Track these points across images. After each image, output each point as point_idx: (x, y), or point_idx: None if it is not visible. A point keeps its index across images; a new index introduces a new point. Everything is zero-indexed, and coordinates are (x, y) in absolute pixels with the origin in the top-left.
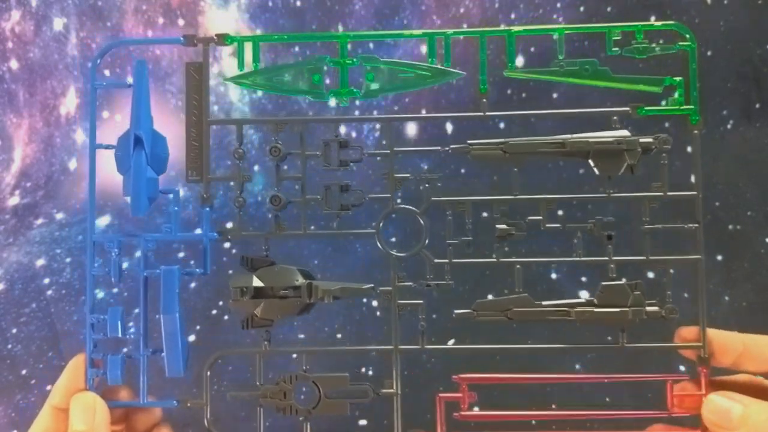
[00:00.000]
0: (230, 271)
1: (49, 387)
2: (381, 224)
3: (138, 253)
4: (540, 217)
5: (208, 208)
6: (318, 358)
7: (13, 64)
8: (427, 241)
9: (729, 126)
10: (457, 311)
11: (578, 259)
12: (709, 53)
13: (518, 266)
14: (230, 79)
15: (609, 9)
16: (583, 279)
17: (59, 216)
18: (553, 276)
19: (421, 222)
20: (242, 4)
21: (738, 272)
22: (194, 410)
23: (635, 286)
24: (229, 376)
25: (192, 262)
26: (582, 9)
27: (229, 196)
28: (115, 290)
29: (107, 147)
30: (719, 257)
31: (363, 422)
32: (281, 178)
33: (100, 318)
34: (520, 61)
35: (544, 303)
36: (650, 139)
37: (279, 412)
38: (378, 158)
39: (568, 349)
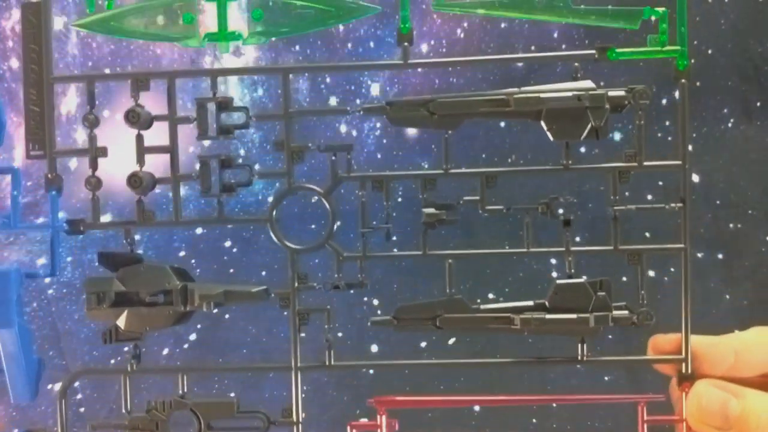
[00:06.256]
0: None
1: (50, 386)
2: (276, 209)
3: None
4: (477, 198)
5: (55, 192)
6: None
7: (14, 63)
8: (335, 230)
9: (730, 124)
10: (373, 319)
11: (525, 250)
12: (709, 51)
13: (450, 261)
14: (80, 24)
15: (609, 6)
16: (584, 277)
17: (60, 215)
18: (554, 274)
19: (327, 206)
20: (242, 4)
21: (739, 270)
22: None
23: (599, 284)
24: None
25: (193, 260)
26: (582, 6)
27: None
28: None
29: None
30: (720, 255)
31: (364, 420)
32: (143, 150)
33: None
34: None
35: (483, 307)
36: (622, 92)
37: None
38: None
39: (508, 364)
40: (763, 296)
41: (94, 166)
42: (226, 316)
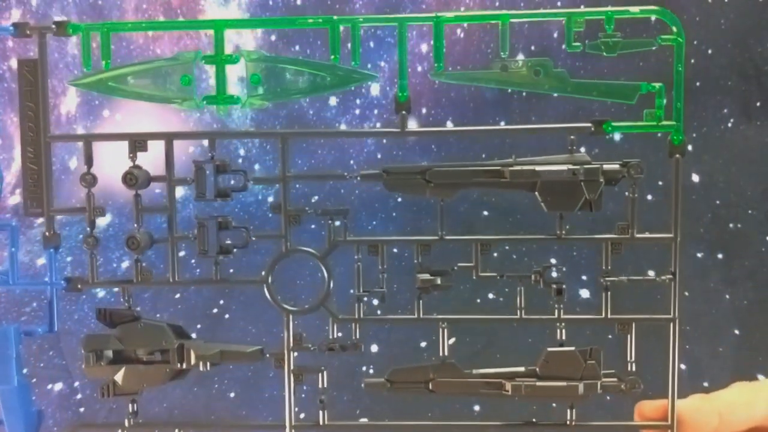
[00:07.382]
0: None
1: (50, 386)
2: (272, 271)
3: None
4: (471, 264)
5: (52, 250)
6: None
7: (14, 63)
8: (330, 292)
9: (729, 124)
10: (367, 380)
11: (517, 317)
12: (709, 51)
13: (443, 324)
14: (75, 83)
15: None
16: (584, 277)
17: (59, 215)
18: (554, 274)
19: (323, 269)
20: (242, 3)
21: (739, 270)
22: None
23: (589, 353)
24: None
25: (193, 260)
26: (582, 8)
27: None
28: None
29: None
30: (720, 255)
31: (363, 420)
32: (142, 210)
33: None
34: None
35: (474, 372)
36: (617, 166)
37: None
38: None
39: (499, 427)
40: (763, 296)
41: (92, 226)
42: (226, 316)
